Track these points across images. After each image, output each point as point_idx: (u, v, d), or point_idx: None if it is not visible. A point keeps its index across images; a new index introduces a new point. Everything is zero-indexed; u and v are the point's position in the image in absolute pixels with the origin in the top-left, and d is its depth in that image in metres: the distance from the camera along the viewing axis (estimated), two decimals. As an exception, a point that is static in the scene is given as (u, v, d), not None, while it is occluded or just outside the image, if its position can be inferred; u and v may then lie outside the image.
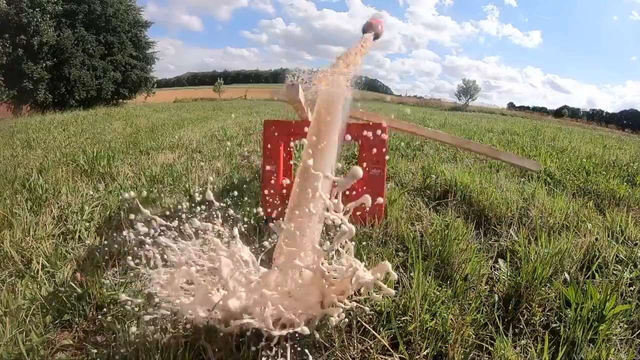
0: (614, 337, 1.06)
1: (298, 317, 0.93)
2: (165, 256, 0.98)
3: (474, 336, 1.02)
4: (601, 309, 1.08)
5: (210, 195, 1.04)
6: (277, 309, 0.93)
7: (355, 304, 1.01)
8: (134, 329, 0.94)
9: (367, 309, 1.04)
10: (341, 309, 0.97)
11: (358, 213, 1.65)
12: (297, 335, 0.93)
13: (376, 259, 1.38)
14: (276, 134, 1.74)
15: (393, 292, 0.96)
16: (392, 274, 0.93)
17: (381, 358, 0.96)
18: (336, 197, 0.96)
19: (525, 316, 1.15)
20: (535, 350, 0.97)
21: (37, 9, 13.10)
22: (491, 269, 1.40)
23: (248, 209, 1.62)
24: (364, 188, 1.62)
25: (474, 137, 5.77)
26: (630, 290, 1.29)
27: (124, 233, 0.98)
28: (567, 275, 1.32)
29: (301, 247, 1.04)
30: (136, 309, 1.01)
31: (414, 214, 1.90)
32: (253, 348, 0.91)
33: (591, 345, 1.01)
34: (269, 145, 1.76)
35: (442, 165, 2.95)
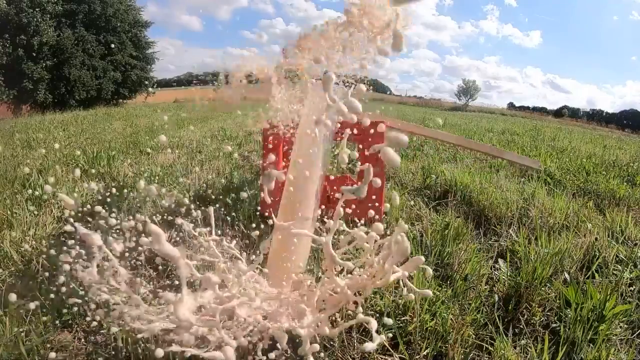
0: (614, 337, 1.06)
1: (294, 331, 0.75)
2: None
3: (474, 336, 1.02)
4: (601, 309, 1.08)
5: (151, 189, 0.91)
6: (256, 321, 0.77)
7: (393, 321, 0.88)
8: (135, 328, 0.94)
9: (390, 321, 0.90)
10: (373, 322, 0.74)
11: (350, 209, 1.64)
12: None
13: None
14: (276, 133, 1.74)
15: (430, 293, 0.82)
16: (428, 270, 0.83)
17: (381, 358, 0.96)
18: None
19: (525, 316, 1.15)
20: (535, 350, 0.97)
21: (37, 9, 13.09)
22: (491, 269, 1.40)
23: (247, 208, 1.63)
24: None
25: (474, 137, 5.78)
26: (630, 290, 1.29)
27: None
28: (567, 275, 1.32)
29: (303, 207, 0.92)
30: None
31: (414, 214, 1.90)
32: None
33: (591, 345, 1.01)
34: (268, 145, 1.76)
35: (442, 165, 2.95)
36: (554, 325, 1.11)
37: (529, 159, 2.67)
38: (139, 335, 0.82)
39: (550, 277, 1.28)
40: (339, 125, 1.16)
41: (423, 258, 0.78)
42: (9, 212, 1.72)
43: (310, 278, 1.02)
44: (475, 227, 1.74)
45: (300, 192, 1.05)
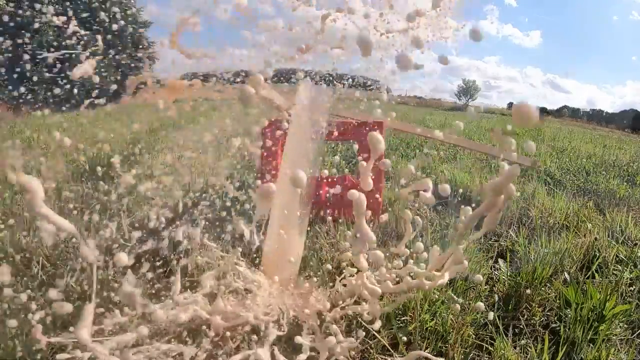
0: (614, 337, 1.06)
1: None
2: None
3: (474, 336, 1.02)
4: (601, 309, 1.08)
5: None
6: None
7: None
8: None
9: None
10: None
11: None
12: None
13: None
14: (274, 132, 1.74)
15: (483, 306, 0.86)
16: (478, 277, 0.85)
17: (381, 358, 0.96)
18: None
19: (525, 316, 1.15)
20: (535, 350, 0.97)
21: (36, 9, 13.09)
22: (491, 269, 1.40)
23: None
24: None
25: (474, 137, 5.78)
26: (630, 290, 1.29)
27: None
28: (567, 275, 1.32)
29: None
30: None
31: (414, 213, 1.90)
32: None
33: (591, 345, 1.01)
34: (267, 144, 1.76)
35: (442, 165, 2.96)
36: (554, 325, 1.11)
37: (528, 158, 2.69)
38: None
39: (550, 277, 1.28)
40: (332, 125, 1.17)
41: (467, 263, 0.73)
42: (9, 212, 1.72)
43: (314, 283, 1.01)
44: (475, 227, 1.74)
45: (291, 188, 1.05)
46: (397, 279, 0.96)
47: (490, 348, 0.99)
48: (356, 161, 2.40)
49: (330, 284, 1.16)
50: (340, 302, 1.02)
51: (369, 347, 0.99)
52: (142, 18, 17.48)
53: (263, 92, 1.16)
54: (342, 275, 1.13)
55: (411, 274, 0.89)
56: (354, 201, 0.67)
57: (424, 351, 0.96)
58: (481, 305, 0.87)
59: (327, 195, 1.78)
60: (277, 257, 1.05)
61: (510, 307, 1.16)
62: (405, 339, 0.90)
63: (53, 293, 0.73)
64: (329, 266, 1.21)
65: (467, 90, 40.53)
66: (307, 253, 1.32)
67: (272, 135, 1.75)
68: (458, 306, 0.95)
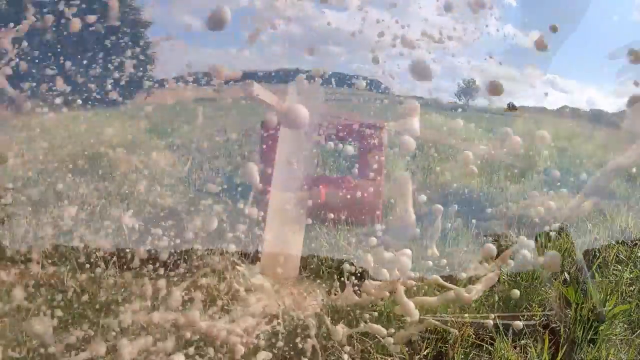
0: (614, 337, 1.06)
1: None
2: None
3: (474, 336, 1.02)
4: (601, 309, 1.08)
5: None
6: None
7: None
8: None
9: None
10: None
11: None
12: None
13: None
14: (274, 132, 1.74)
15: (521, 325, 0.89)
16: (515, 292, 0.85)
17: (381, 358, 0.96)
18: None
19: (525, 316, 1.14)
20: (535, 350, 0.97)
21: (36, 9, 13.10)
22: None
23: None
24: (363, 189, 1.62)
25: (473, 139, 5.78)
26: (630, 290, 1.29)
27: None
28: (567, 275, 1.32)
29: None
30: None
31: (414, 214, 1.90)
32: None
33: (591, 345, 1.01)
34: (266, 145, 1.76)
35: (442, 165, 2.95)
36: (554, 325, 1.11)
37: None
38: None
39: (550, 277, 1.28)
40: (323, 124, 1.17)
41: (496, 277, 0.72)
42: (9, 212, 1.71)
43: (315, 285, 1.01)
44: (475, 227, 1.74)
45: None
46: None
47: (490, 348, 0.99)
48: (355, 163, 2.40)
49: (337, 285, 1.16)
50: (348, 308, 1.00)
51: (369, 347, 0.99)
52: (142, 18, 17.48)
53: (256, 92, 1.16)
54: (346, 278, 1.12)
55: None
56: (399, 182, 0.61)
57: (424, 351, 0.97)
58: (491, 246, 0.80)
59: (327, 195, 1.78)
60: (276, 257, 1.05)
61: (510, 307, 1.16)
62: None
63: None
64: (347, 265, 1.19)
65: (467, 90, 40.54)
66: (307, 253, 1.32)
67: (270, 134, 1.74)
68: (490, 322, 0.96)
